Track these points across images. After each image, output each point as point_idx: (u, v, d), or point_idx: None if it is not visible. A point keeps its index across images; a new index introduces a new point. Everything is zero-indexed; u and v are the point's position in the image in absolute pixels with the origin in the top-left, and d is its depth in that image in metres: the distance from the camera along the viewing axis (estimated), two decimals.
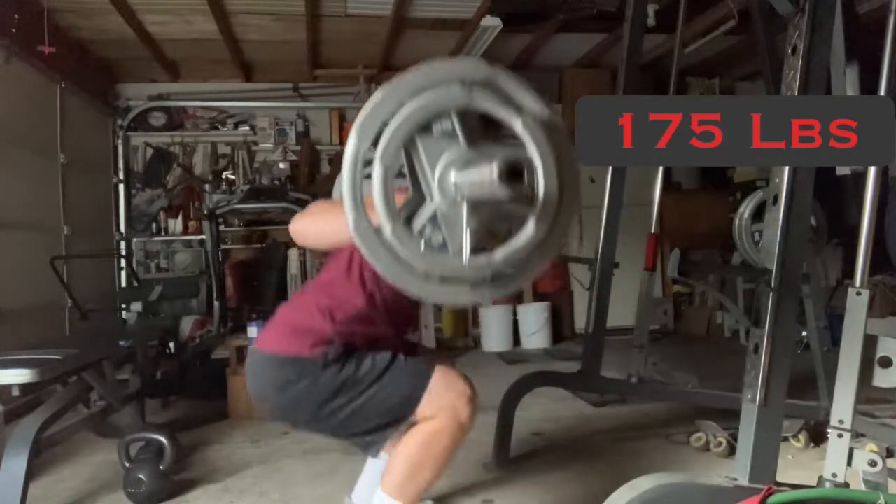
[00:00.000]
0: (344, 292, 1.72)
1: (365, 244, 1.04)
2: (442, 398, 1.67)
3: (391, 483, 1.69)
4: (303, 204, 4.82)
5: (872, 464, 1.49)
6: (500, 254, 1.02)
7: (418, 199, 1.03)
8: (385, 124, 1.00)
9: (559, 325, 5.76)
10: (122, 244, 5.65)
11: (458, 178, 0.99)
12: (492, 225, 1.04)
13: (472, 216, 0.99)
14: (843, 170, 2.77)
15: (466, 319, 5.76)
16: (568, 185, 1.05)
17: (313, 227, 1.53)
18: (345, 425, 1.72)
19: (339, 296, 1.72)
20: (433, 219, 1.02)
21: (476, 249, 1.00)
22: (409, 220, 1.02)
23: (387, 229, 1.01)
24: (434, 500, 2.25)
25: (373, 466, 2.02)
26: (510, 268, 1.05)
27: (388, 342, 1.82)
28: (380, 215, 1.00)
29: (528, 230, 1.01)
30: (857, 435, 1.57)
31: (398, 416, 1.68)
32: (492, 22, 4.55)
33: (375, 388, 1.66)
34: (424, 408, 1.67)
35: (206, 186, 5.72)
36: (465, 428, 1.70)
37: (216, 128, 5.94)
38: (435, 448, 1.67)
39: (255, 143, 5.97)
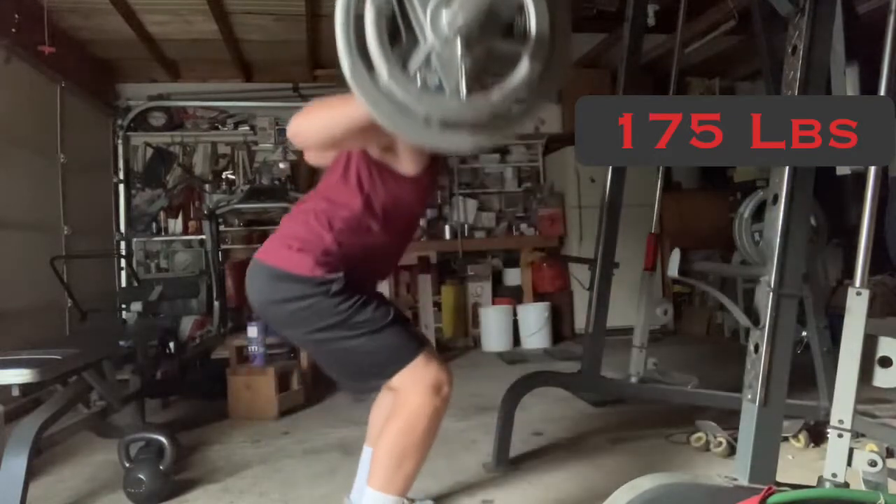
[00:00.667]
0: (341, 196, 1.71)
1: (362, 91, 1.04)
2: (419, 375, 1.69)
3: (378, 477, 1.70)
4: None
5: (872, 464, 1.49)
6: (498, 93, 1.02)
7: (411, 41, 1.03)
8: None
9: (559, 325, 5.76)
10: (122, 244, 5.65)
11: (448, 13, 0.99)
12: (486, 65, 1.04)
13: (466, 53, 1.00)
14: (843, 169, 2.78)
15: (466, 319, 5.76)
16: (559, 23, 1.06)
17: (309, 122, 1.50)
18: (326, 356, 1.76)
19: (336, 200, 1.71)
20: (428, 61, 1.02)
21: (473, 90, 1.01)
22: (404, 66, 1.03)
23: (383, 73, 1.01)
24: (434, 500, 2.25)
25: (367, 465, 2.02)
26: (508, 109, 1.06)
27: (388, 258, 1.86)
28: (374, 58, 1.01)
29: (523, 67, 1.02)
30: (857, 435, 1.57)
31: (375, 373, 1.71)
32: None
33: (366, 339, 1.67)
34: (402, 377, 1.69)
35: (206, 186, 5.71)
36: (439, 411, 1.70)
37: (216, 128, 5.94)
38: (414, 434, 1.68)
39: (256, 143, 5.97)
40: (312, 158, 1.95)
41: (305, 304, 1.65)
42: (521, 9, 1.01)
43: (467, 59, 1.00)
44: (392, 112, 1.04)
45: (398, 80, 1.01)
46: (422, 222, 5.89)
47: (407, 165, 1.69)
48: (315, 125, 1.49)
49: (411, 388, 1.69)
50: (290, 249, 1.69)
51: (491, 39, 1.02)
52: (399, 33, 1.04)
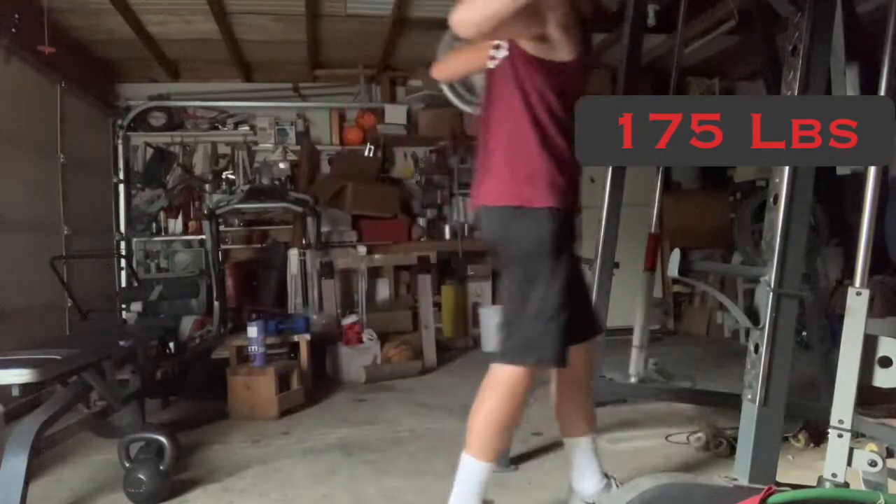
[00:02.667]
0: (523, 123, 1.79)
1: None
2: (524, 376, 1.82)
3: (474, 446, 1.83)
4: (302, 204, 4.83)
5: (872, 464, 1.49)
6: None
7: None
8: None
9: None
10: (122, 244, 5.65)
11: None
12: None
13: None
14: (843, 169, 2.77)
15: (466, 319, 5.76)
16: None
17: (472, 10, 1.57)
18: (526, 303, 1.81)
19: (519, 128, 1.80)
20: None
21: None
22: None
23: None
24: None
25: (584, 455, 2.14)
26: None
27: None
28: None
29: None
30: (856, 435, 1.57)
31: (533, 339, 1.79)
32: None
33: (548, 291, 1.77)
34: (516, 369, 1.82)
35: (206, 186, 5.71)
36: (517, 393, 1.83)
37: (216, 128, 5.94)
38: (508, 410, 1.83)
39: (255, 143, 5.96)
40: (440, 73, 2.18)
41: (536, 257, 1.77)
42: None
43: None
44: None
45: None
46: (421, 222, 5.89)
47: (563, 50, 1.75)
48: (477, 11, 1.57)
49: (508, 377, 1.81)
50: (522, 185, 1.79)
51: None
52: None
